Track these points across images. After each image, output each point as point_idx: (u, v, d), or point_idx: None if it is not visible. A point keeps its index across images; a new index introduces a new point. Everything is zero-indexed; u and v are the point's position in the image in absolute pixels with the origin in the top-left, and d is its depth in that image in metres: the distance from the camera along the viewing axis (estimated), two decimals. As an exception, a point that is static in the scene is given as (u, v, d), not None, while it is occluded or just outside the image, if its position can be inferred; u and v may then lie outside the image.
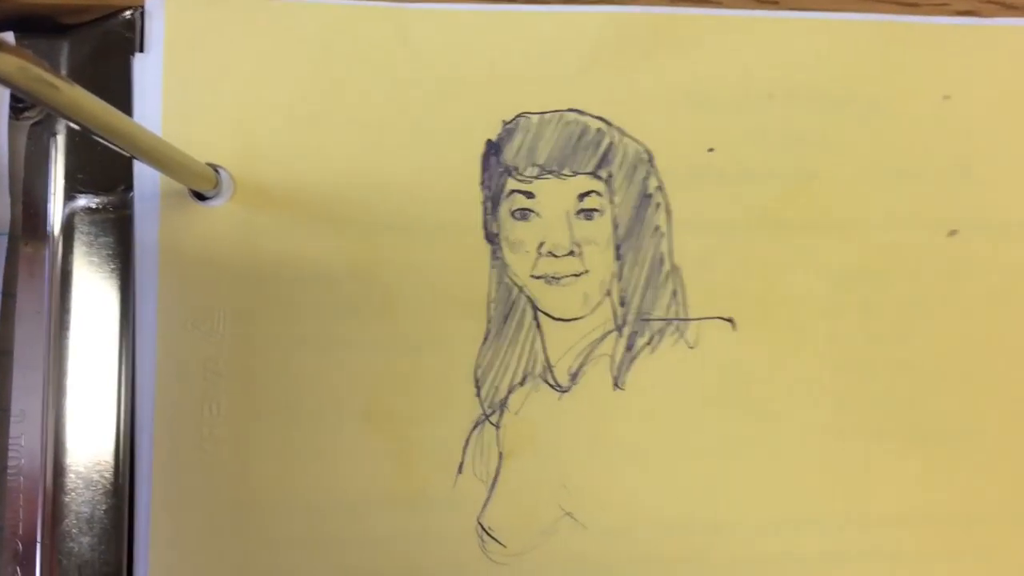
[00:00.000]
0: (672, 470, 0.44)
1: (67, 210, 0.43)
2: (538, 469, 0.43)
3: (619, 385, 0.44)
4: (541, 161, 0.44)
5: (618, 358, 0.44)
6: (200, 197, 0.44)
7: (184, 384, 0.43)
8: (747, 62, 0.46)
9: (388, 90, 0.45)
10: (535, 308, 0.44)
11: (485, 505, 0.43)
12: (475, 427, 0.43)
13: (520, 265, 0.44)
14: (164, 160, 0.37)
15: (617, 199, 0.44)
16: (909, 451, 0.46)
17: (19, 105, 0.44)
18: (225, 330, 0.44)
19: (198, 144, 0.44)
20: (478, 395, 0.44)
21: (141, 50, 0.44)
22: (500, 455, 0.43)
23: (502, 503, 0.43)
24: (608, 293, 0.44)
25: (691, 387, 0.44)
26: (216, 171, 0.44)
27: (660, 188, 0.45)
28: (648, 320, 0.44)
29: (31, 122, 0.44)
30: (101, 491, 0.41)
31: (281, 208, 0.45)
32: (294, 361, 0.44)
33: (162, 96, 0.45)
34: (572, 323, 0.44)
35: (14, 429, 0.42)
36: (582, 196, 0.44)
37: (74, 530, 0.42)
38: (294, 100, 0.45)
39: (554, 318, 0.44)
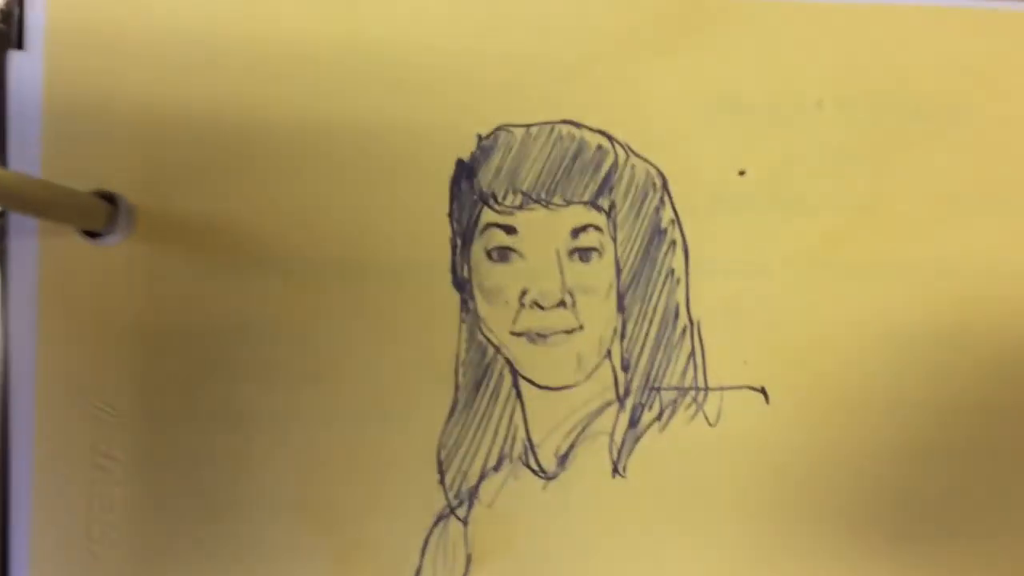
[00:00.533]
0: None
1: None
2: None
3: (620, 471, 0.39)
4: (526, 187, 0.39)
5: (619, 437, 0.39)
6: (92, 233, 0.37)
7: (69, 473, 0.37)
8: (790, 59, 0.40)
9: (330, 93, 0.39)
10: (515, 373, 0.39)
11: None
12: (437, 522, 0.39)
13: (497, 319, 0.39)
14: (29, 199, 0.29)
15: (621, 235, 0.39)
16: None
17: None
18: (121, 403, 0.38)
19: (87, 166, 0.37)
20: (442, 482, 0.39)
21: (19, 46, 0.38)
22: (468, 558, 0.39)
23: None
24: (608, 355, 0.39)
25: (710, 476, 0.39)
26: (111, 201, 0.37)
27: (676, 221, 0.39)
28: (658, 389, 0.39)
29: None
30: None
31: (193, 246, 0.38)
32: (208, 440, 0.38)
33: (42, 103, 0.38)
34: (561, 392, 0.39)
35: None
36: (577, 232, 0.39)
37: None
38: (211, 109, 0.39)
39: (539, 386, 0.39)
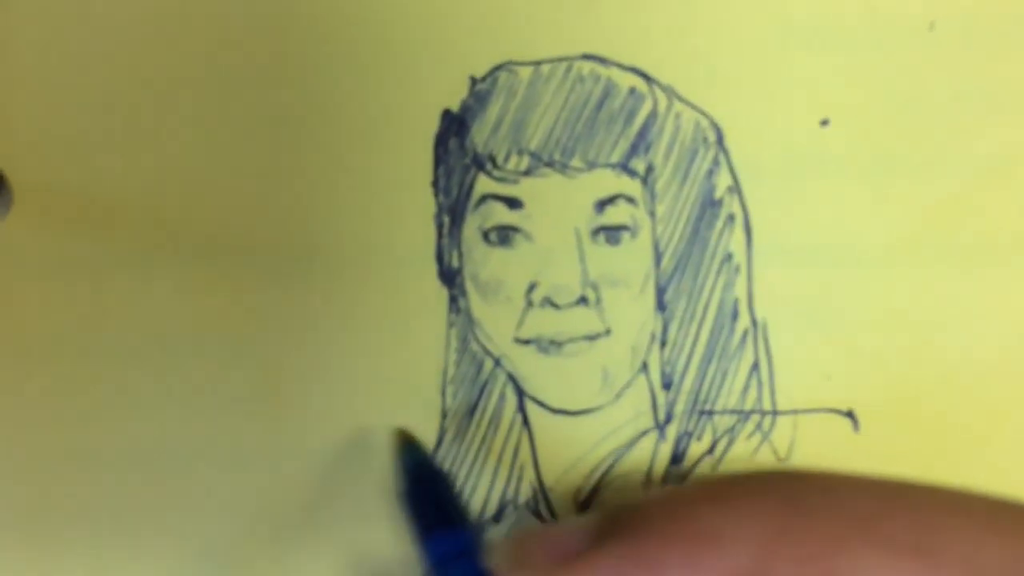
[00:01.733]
0: None
1: None
2: None
3: None
4: (534, 145, 0.34)
5: (659, 476, 0.34)
6: None
7: None
8: None
9: (274, 25, 0.33)
10: (520, 393, 0.34)
11: None
12: None
13: (497, 322, 0.34)
14: None
15: (662, 208, 0.34)
16: None
17: None
18: (7, 445, 0.32)
19: None
20: None
21: None
22: None
23: None
24: (644, 368, 0.34)
25: None
26: None
27: (735, 189, 0.34)
28: (710, 413, 0.34)
29: None
30: None
31: (89, 232, 0.33)
32: (111, 483, 0.32)
33: None
34: (582, 417, 0.34)
35: None
36: (603, 204, 0.34)
37: None
38: (114, 51, 0.33)
39: (552, 410, 0.34)
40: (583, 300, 0.34)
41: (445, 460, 0.33)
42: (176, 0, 0.34)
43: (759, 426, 0.34)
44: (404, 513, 0.30)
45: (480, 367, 0.34)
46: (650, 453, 0.33)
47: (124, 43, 0.33)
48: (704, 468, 0.33)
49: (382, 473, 0.33)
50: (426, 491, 0.31)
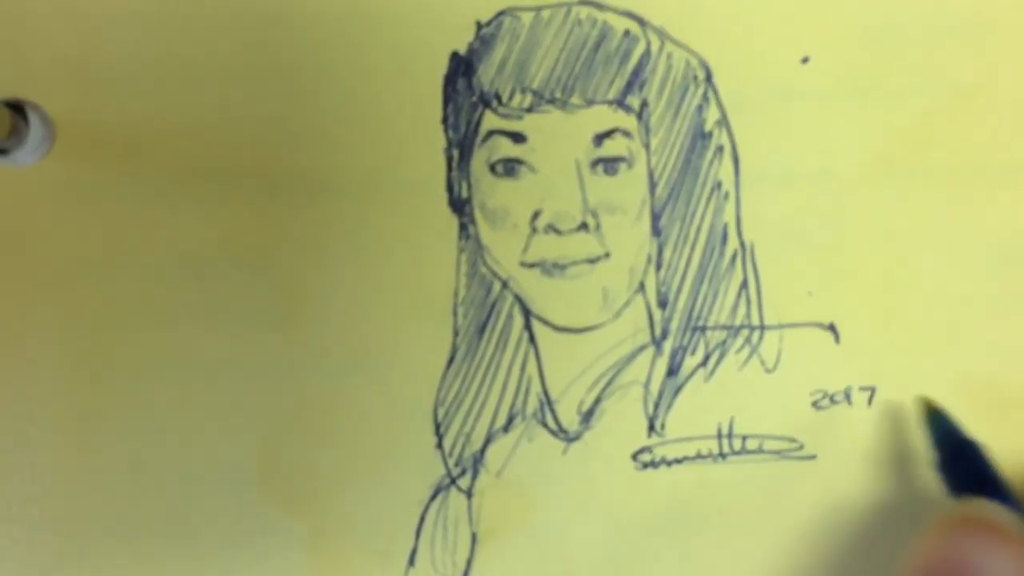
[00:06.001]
0: (739, 555, 0.34)
1: None
2: (532, 558, 0.35)
3: (657, 429, 0.35)
4: (537, 84, 0.35)
5: (656, 388, 0.35)
6: (3, 150, 0.33)
7: None
8: None
9: None
10: (527, 312, 0.36)
11: None
12: (435, 495, 0.35)
13: (504, 247, 0.35)
14: None
15: (656, 141, 0.36)
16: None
17: None
18: (39, 350, 0.34)
19: None
20: (439, 446, 0.35)
21: None
22: (473, 537, 0.35)
23: None
24: (641, 288, 0.36)
25: (767, 431, 0.35)
26: (20, 111, 0.32)
27: (723, 122, 0.36)
28: (703, 329, 0.36)
29: None
30: None
31: (126, 163, 0.34)
32: (147, 393, 0.34)
33: None
34: (584, 335, 0.35)
35: None
36: (601, 138, 0.35)
37: None
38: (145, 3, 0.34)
39: (556, 327, 0.36)
40: (583, 226, 0.35)
41: (456, 376, 0.34)
42: None
43: (748, 340, 0.35)
44: (943, 483, 0.31)
45: (489, 289, 0.35)
46: (647, 366, 0.35)
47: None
48: (697, 380, 0.34)
49: (393, 383, 0.34)
50: (962, 461, 0.31)
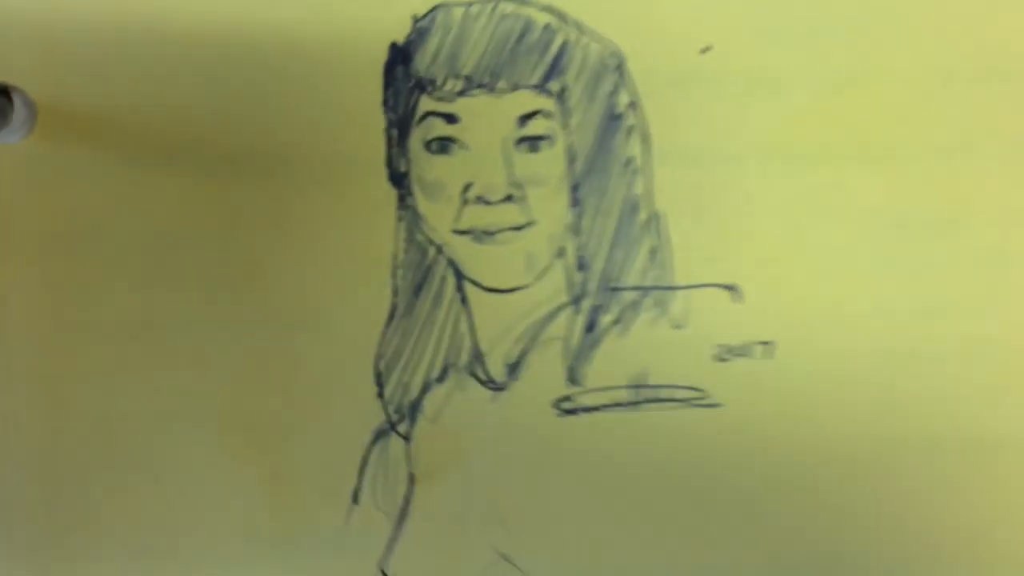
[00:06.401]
0: (650, 496, 0.36)
1: None
2: (463, 496, 0.36)
3: (576, 380, 0.37)
4: (467, 71, 0.37)
5: (575, 342, 0.37)
6: None
7: None
8: None
9: None
10: (459, 275, 0.37)
11: (390, 547, 0.36)
12: (376, 439, 0.37)
13: (439, 216, 0.37)
14: None
15: (574, 121, 0.37)
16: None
17: None
18: (21, 312, 0.35)
19: None
20: (380, 395, 0.37)
21: None
22: (411, 477, 0.37)
23: (414, 544, 0.36)
24: (561, 253, 0.37)
25: (678, 383, 0.36)
26: (5, 94, 0.34)
27: (634, 105, 0.37)
28: (617, 290, 0.37)
29: None
30: None
31: (101, 143, 0.36)
32: (118, 350, 0.36)
33: None
34: (511, 295, 0.37)
35: None
36: (525, 119, 0.37)
37: None
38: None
39: (486, 288, 0.37)
40: (509, 197, 0.36)
41: (396, 332, 0.36)
42: None
43: (658, 300, 0.36)
44: None
45: (425, 254, 0.37)
46: (567, 324, 0.36)
47: None
48: (612, 336, 0.36)
49: (339, 339, 0.36)
50: None
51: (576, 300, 0.36)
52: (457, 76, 0.36)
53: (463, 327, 0.36)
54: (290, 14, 0.36)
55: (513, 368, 0.36)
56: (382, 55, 0.36)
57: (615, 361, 0.36)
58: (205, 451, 0.35)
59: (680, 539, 0.36)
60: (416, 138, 0.36)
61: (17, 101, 0.34)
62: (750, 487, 0.36)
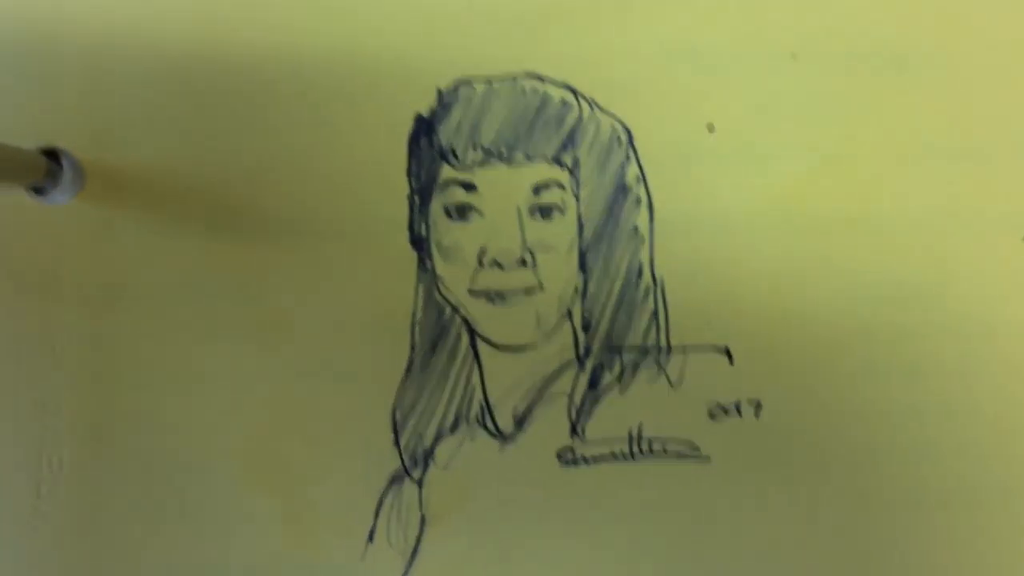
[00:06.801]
0: (645, 543, 0.38)
1: None
2: (471, 538, 0.38)
3: (579, 433, 0.38)
4: (487, 143, 0.38)
5: (578, 398, 0.38)
6: (41, 190, 0.36)
7: (16, 431, 0.37)
8: (763, 10, 0.38)
9: (285, 46, 0.38)
10: (472, 333, 0.38)
11: None
12: (391, 484, 0.38)
13: (455, 278, 0.38)
14: None
15: (584, 192, 0.38)
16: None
17: None
18: (67, 359, 0.37)
19: (32, 118, 0.37)
20: (396, 443, 0.38)
21: None
22: (423, 519, 0.38)
23: None
24: (568, 314, 0.38)
25: (672, 437, 0.38)
26: (55, 158, 0.36)
27: (641, 178, 0.38)
28: (619, 350, 0.38)
29: None
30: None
31: (143, 204, 0.37)
32: (156, 399, 0.37)
33: None
34: (520, 353, 0.38)
35: None
36: (539, 189, 0.38)
37: None
38: (160, 64, 0.37)
39: (497, 346, 0.38)
40: (522, 262, 0.37)
41: (412, 385, 0.37)
42: (220, 13, 0.37)
43: (656, 360, 0.38)
44: None
45: (441, 312, 0.38)
46: (572, 380, 0.38)
47: (170, 49, 0.37)
48: (613, 392, 0.37)
49: (358, 390, 0.37)
50: None
51: (581, 359, 0.38)
52: (477, 148, 0.38)
53: (475, 381, 0.38)
54: (323, 84, 0.37)
55: (520, 421, 0.38)
56: (408, 125, 0.38)
57: (615, 416, 0.37)
58: (233, 491, 0.37)
59: (671, 583, 0.37)
60: (436, 204, 0.38)
61: (66, 163, 0.36)
62: (737, 536, 0.37)
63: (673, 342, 0.38)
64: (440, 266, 0.38)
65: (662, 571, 0.37)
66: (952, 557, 0.37)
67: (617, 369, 0.38)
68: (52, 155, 0.36)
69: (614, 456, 0.37)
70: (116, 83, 0.37)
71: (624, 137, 0.38)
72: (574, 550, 0.37)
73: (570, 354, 0.38)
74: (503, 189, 0.37)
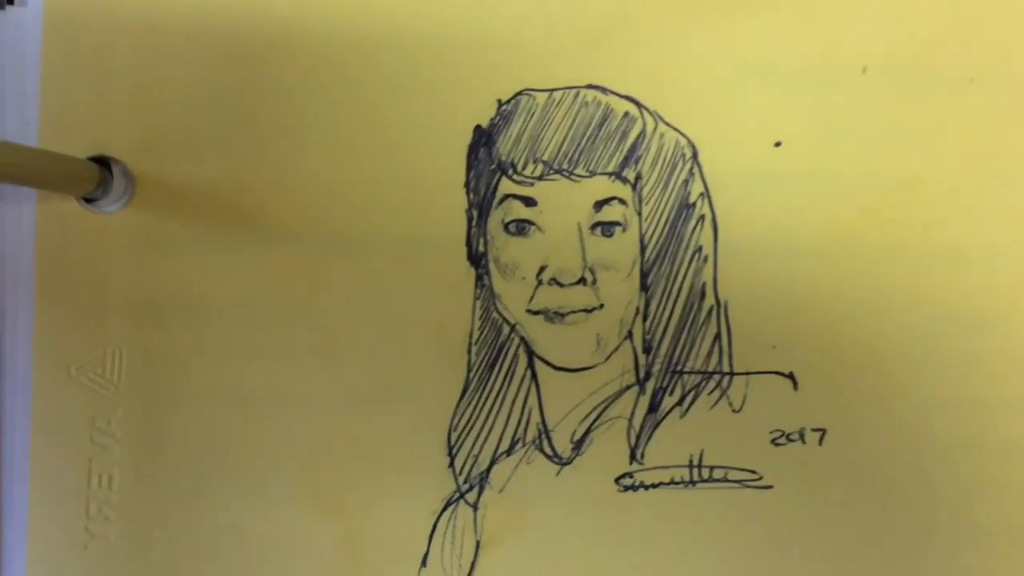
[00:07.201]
0: (704, 571, 0.37)
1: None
2: (526, 564, 0.37)
3: (638, 458, 0.37)
4: (547, 156, 0.37)
5: (638, 422, 0.37)
6: (91, 200, 0.36)
7: (65, 448, 0.36)
8: (832, 21, 0.37)
9: (341, 57, 0.37)
10: (531, 353, 0.37)
11: None
12: (446, 507, 0.37)
13: (514, 296, 0.37)
14: (9, 168, 0.27)
15: (647, 209, 0.37)
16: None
17: None
18: (120, 377, 0.36)
19: (85, 129, 0.36)
20: (451, 465, 0.37)
21: (11, 2, 0.36)
22: (477, 544, 0.37)
23: None
24: (629, 335, 0.37)
25: (733, 464, 0.37)
26: (106, 167, 0.35)
27: (705, 195, 0.37)
28: (681, 373, 0.37)
29: None
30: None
31: (194, 215, 0.36)
32: (209, 418, 0.36)
33: (40, 62, 0.36)
34: (579, 374, 0.37)
35: None
36: (600, 204, 0.37)
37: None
38: (214, 72, 0.36)
39: (555, 367, 0.37)
40: (582, 280, 0.36)
41: (468, 406, 0.37)
42: (275, 24, 0.36)
43: (719, 384, 0.37)
44: None
45: (499, 332, 0.37)
46: (631, 403, 0.37)
47: (224, 59, 0.36)
48: (674, 416, 0.37)
49: (414, 411, 0.36)
50: None
51: (641, 381, 0.37)
52: (537, 161, 0.37)
53: (532, 403, 0.37)
54: (378, 95, 0.36)
55: (578, 444, 0.37)
56: (466, 138, 0.37)
57: (675, 441, 0.37)
58: (287, 514, 0.36)
59: (730, 613, 0.37)
60: (495, 219, 0.37)
61: (116, 172, 0.35)
62: (798, 564, 0.37)
63: (736, 367, 0.37)
64: (498, 283, 0.37)
65: (720, 599, 0.37)
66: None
67: (678, 393, 0.37)
68: (102, 163, 0.35)
69: (674, 482, 0.37)
70: (169, 91, 0.36)
71: (689, 152, 0.37)
72: (640, 573, 0.37)
73: (630, 377, 0.37)
74: (563, 204, 0.37)
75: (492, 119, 0.37)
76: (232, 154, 0.36)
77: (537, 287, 0.37)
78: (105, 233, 0.36)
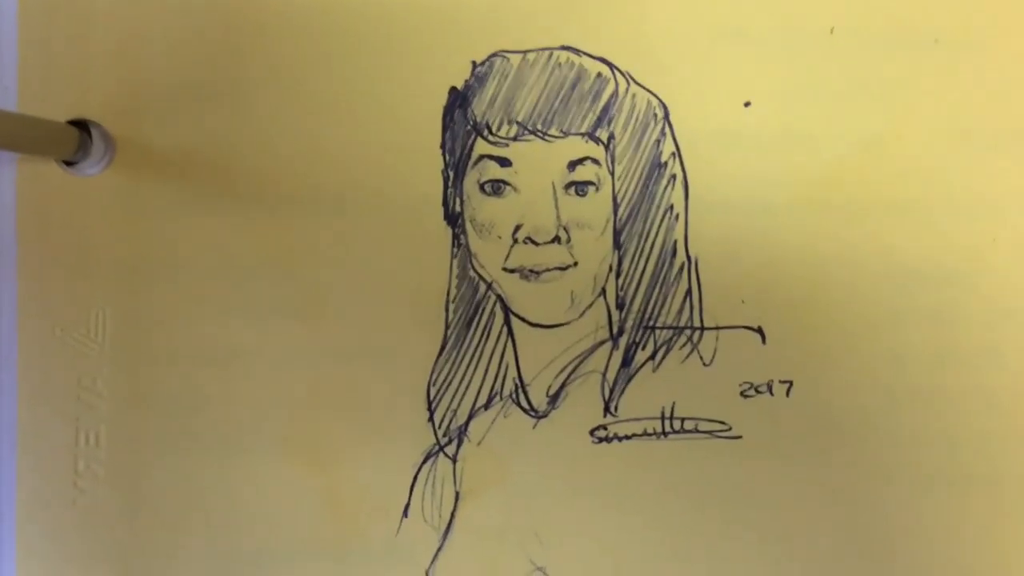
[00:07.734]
0: (676, 519, 0.38)
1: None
2: (504, 513, 0.38)
3: (611, 410, 0.38)
4: (521, 117, 0.37)
5: (612, 376, 0.38)
6: (71, 163, 0.36)
7: (52, 407, 0.37)
8: None
9: (317, 20, 0.37)
10: (507, 310, 0.38)
11: (436, 557, 0.38)
12: (426, 460, 0.38)
13: (489, 254, 0.38)
14: None
15: (620, 169, 0.38)
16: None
17: None
18: (104, 337, 0.37)
19: (63, 91, 0.36)
20: (431, 420, 0.38)
21: None
22: (457, 495, 0.38)
23: (458, 555, 0.38)
24: (602, 292, 0.38)
25: (703, 416, 0.38)
26: (85, 129, 0.35)
27: (676, 155, 0.38)
28: (653, 328, 0.38)
29: None
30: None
31: (175, 177, 0.37)
32: (193, 375, 0.37)
33: (17, 24, 0.36)
34: (554, 330, 0.38)
35: None
36: (574, 164, 0.37)
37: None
38: (192, 36, 0.37)
39: (531, 323, 0.38)
40: (556, 239, 0.37)
41: (446, 362, 0.37)
42: (230, 7, 0.36)
43: (690, 338, 0.38)
44: None
45: (476, 290, 0.38)
46: (605, 358, 0.38)
47: (203, 22, 0.36)
48: (646, 370, 0.37)
49: (394, 367, 0.37)
50: None
51: (614, 337, 0.38)
52: (512, 122, 0.37)
53: (509, 359, 0.38)
54: (355, 58, 0.37)
55: (553, 398, 0.38)
56: (441, 99, 0.37)
57: (648, 394, 0.37)
58: (272, 468, 0.37)
59: (702, 557, 0.38)
60: (471, 179, 0.37)
61: (96, 135, 0.36)
62: (766, 512, 0.38)
63: (706, 321, 0.38)
64: (474, 242, 0.37)
65: (692, 546, 0.38)
66: (975, 537, 0.38)
67: (650, 347, 0.38)
68: (82, 126, 0.35)
69: (646, 433, 0.38)
70: (148, 53, 0.36)
71: (660, 113, 0.37)
72: (606, 526, 0.38)
73: (604, 332, 0.38)
74: (538, 165, 0.37)
75: (467, 81, 0.37)
76: (211, 117, 0.37)
77: (513, 246, 0.37)
78: (87, 195, 0.36)
